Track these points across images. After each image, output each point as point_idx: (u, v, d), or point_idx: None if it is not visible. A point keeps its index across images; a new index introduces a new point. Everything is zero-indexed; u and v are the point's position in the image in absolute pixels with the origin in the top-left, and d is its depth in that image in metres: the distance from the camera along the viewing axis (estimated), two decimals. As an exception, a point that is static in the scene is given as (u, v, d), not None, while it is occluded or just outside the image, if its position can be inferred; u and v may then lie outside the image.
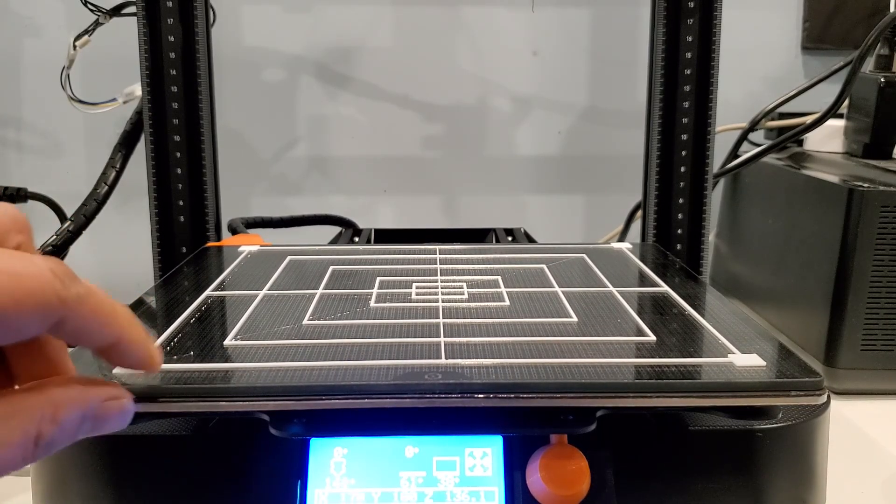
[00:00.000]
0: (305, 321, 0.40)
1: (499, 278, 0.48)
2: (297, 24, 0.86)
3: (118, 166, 0.61)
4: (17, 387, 0.26)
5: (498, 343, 0.37)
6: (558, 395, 0.32)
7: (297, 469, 0.34)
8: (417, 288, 0.46)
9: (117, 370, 0.33)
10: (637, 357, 0.35)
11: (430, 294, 0.45)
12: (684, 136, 0.60)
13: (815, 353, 0.59)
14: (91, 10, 0.64)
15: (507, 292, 0.45)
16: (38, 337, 0.25)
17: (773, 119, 0.77)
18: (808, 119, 0.68)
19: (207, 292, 0.45)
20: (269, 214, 0.75)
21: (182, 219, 0.61)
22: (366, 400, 0.32)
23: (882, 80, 0.65)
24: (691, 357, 0.35)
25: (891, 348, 0.57)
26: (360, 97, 0.88)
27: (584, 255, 0.54)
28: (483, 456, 0.34)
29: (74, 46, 0.63)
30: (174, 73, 0.60)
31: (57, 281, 0.23)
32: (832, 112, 0.65)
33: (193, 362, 0.35)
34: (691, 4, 0.59)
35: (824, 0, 0.88)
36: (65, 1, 0.84)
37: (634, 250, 0.56)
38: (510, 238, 0.71)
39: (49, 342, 0.27)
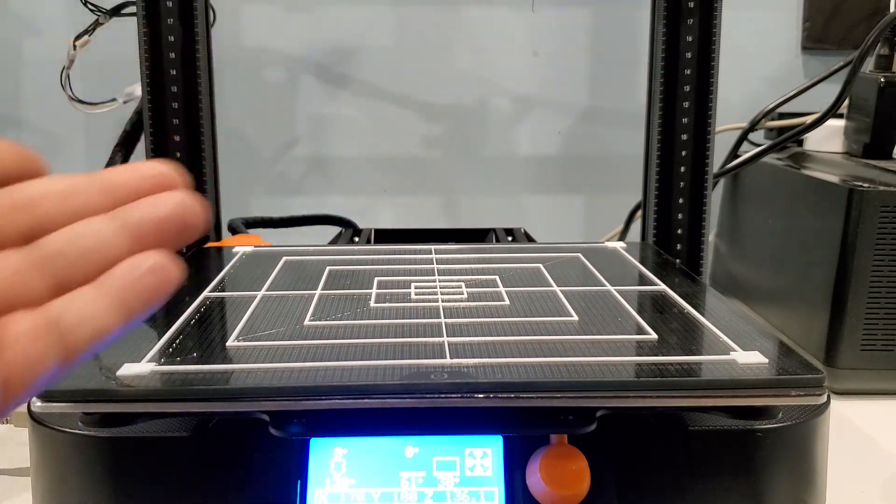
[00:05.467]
0: (307, 322, 0.40)
1: (496, 278, 0.48)
2: (297, 24, 0.86)
3: (118, 166, 0.61)
4: None
5: (502, 342, 0.37)
6: (559, 395, 0.32)
7: (297, 469, 0.34)
8: (416, 288, 0.46)
9: (121, 371, 0.33)
10: (640, 355, 0.35)
11: (429, 294, 0.45)
12: (684, 136, 0.60)
13: (815, 353, 0.59)
14: (91, 10, 0.64)
15: (507, 292, 0.45)
16: None
17: (773, 119, 0.77)
18: (808, 119, 0.68)
19: (205, 293, 0.45)
20: (269, 214, 0.75)
21: (182, 219, 0.61)
22: (367, 400, 0.32)
23: (882, 80, 0.65)
24: (693, 355, 0.35)
25: (891, 348, 0.57)
26: (360, 97, 0.88)
27: (580, 255, 0.54)
28: (483, 456, 0.34)
29: (74, 46, 0.63)
30: (174, 73, 0.60)
31: None
32: (832, 112, 0.65)
33: (197, 364, 0.35)
34: (691, 4, 0.59)
35: (824, 0, 0.88)
36: (65, 1, 0.84)
37: (629, 249, 0.56)
38: (510, 238, 0.71)
39: None
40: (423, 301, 0.43)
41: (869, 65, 0.67)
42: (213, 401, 0.32)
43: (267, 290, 0.46)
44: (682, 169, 0.61)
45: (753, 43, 0.89)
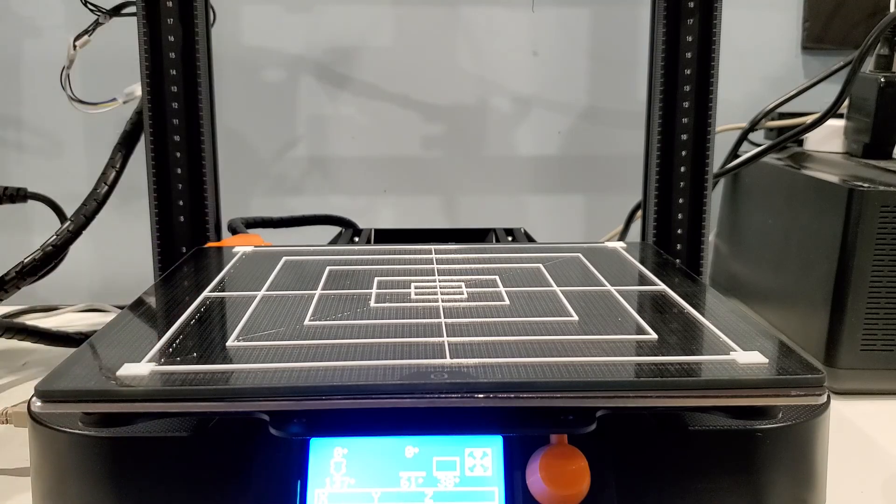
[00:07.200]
0: (307, 322, 0.40)
1: (496, 278, 0.48)
2: (297, 24, 0.86)
3: (118, 166, 0.61)
4: None
5: (502, 342, 0.37)
6: (559, 395, 0.32)
7: (297, 469, 0.34)
8: (416, 288, 0.46)
9: (121, 371, 0.34)
10: (640, 355, 0.35)
11: (429, 294, 0.45)
12: (684, 136, 0.60)
13: (815, 353, 0.59)
14: (91, 10, 0.64)
15: (507, 292, 0.45)
16: None
17: (773, 119, 0.77)
18: (808, 119, 0.68)
19: (205, 293, 0.45)
20: (269, 214, 0.75)
21: (182, 219, 0.61)
22: (367, 400, 0.32)
23: (882, 80, 0.65)
24: (693, 355, 0.35)
25: (891, 348, 0.57)
26: (360, 97, 0.88)
27: (580, 255, 0.54)
28: (483, 456, 0.34)
29: (74, 46, 0.63)
30: (174, 73, 0.60)
31: None
32: (832, 112, 0.65)
33: (197, 364, 0.35)
34: (691, 4, 0.59)
35: (824, 0, 0.88)
36: (65, 1, 0.84)
37: (629, 249, 0.56)
38: (510, 238, 0.71)
39: None
40: (423, 301, 0.43)
41: (869, 65, 0.67)
42: (213, 401, 0.32)
43: (267, 290, 0.46)
44: (682, 169, 0.61)
45: (753, 43, 0.89)
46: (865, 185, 0.57)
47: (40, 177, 0.87)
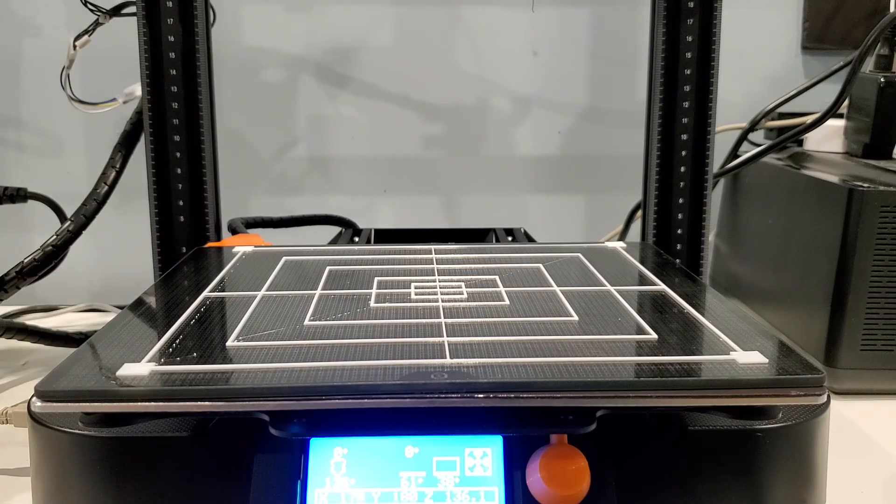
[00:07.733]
0: (307, 322, 0.40)
1: (496, 278, 0.48)
2: (297, 24, 0.86)
3: (118, 166, 0.61)
4: None
5: (502, 342, 0.37)
6: (559, 395, 0.32)
7: (297, 469, 0.34)
8: (416, 288, 0.46)
9: (121, 371, 0.34)
10: (640, 355, 0.35)
11: (429, 294, 0.45)
12: (684, 136, 0.60)
13: (815, 353, 0.59)
14: (91, 10, 0.64)
15: (506, 292, 0.45)
16: None
17: (773, 119, 0.77)
18: (808, 119, 0.68)
19: (205, 293, 0.45)
20: (269, 214, 0.75)
21: (182, 219, 0.61)
22: (367, 400, 0.32)
23: (882, 80, 0.65)
24: (693, 355, 0.35)
25: (891, 348, 0.57)
26: (360, 97, 0.88)
27: (580, 255, 0.54)
28: (483, 456, 0.34)
29: (74, 46, 0.63)
30: (174, 73, 0.60)
31: None
32: (832, 112, 0.65)
33: (197, 364, 0.35)
34: (691, 4, 0.59)
35: (824, 0, 0.88)
36: (65, 1, 0.84)
37: (629, 249, 0.56)
38: (510, 238, 0.71)
39: None
40: (423, 301, 0.43)
41: (869, 65, 0.67)
42: (213, 401, 0.32)
43: (267, 290, 0.46)
44: (682, 169, 0.61)
45: (753, 43, 0.89)
46: (865, 185, 0.57)
47: (40, 177, 0.87)
